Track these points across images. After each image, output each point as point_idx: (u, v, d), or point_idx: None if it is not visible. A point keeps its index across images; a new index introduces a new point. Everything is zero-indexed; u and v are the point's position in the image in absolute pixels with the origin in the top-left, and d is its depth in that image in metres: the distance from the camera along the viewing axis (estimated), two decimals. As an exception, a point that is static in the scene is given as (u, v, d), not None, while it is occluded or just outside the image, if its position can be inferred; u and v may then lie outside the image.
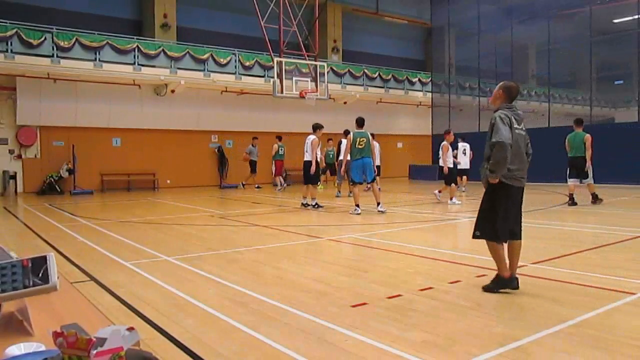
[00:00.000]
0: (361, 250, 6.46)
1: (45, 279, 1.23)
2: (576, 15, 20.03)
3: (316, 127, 11.46)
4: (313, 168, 11.32)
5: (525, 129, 4.39)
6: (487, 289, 4.20)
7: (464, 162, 14.71)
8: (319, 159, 11.73)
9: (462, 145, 14.92)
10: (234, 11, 21.75)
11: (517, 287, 4.19)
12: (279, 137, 18.44)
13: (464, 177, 14.94)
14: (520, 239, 4.37)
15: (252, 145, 19.06)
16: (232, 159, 20.97)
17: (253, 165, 18.94)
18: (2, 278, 1.21)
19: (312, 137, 11.44)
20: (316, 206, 11.32)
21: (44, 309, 1.38)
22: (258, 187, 19.08)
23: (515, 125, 4.20)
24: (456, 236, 7.86)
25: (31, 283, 1.22)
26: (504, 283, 4.18)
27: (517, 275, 4.28)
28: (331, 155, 17.33)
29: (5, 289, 1.21)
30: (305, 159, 11.55)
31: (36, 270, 1.23)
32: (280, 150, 18.27)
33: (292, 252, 6.32)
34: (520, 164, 4.22)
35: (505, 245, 4.28)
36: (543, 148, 18.24)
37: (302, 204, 11.65)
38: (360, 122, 10.34)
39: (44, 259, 1.25)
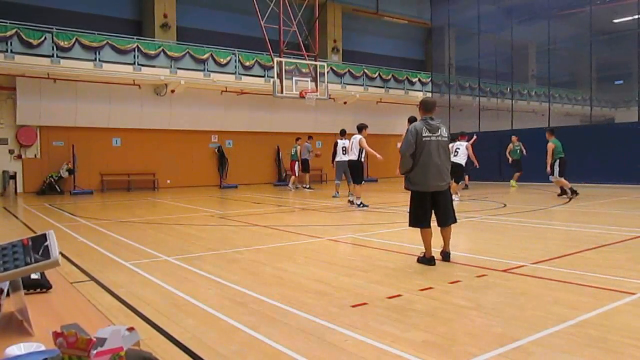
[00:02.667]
0: (361, 250, 6.46)
1: (47, 255, 1.22)
2: (576, 15, 20.03)
3: (361, 127, 11.81)
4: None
5: (445, 135, 5.41)
6: (418, 259, 5.43)
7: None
8: (362, 159, 11.85)
9: (456, 144, 13.90)
10: (234, 11, 21.75)
11: (434, 264, 5.28)
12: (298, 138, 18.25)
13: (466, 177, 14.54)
14: (448, 225, 5.46)
15: (306, 143, 18.65)
16: (232, 159, 20.98)
17: (306, 164, 18.59)
18: (4, 258, 1.22)
19: (358, 136, 11.68)
20: (361, 205, 11.34)
21: (44, 309, 1.38)
22: (309, 188, 18.31)
23: (426, 134, 5.32)
24: (456, 236, 7.84)
25: (33, 260, 1.21)
26: (425, 260, 5.34)
27: (449, 251, 5.46)
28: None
29: (7, 268, 1.21)
30: (349, 158, 11.89)
31: (37, 248, 1.23)
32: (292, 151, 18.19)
33: (292, 252, 6.32)
34: (423, 174, 5.32)
35: (439, 230, 5.46)
36: (543, 148, 18.32)
37: (349, 201, 11.98)
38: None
39: (43, 237, 1.25)
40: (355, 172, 11.77)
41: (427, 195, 5.37)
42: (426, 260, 5.32)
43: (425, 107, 5.51)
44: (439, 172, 5.33)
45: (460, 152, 14.31)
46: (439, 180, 5.33)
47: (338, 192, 14.34)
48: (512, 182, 16.89)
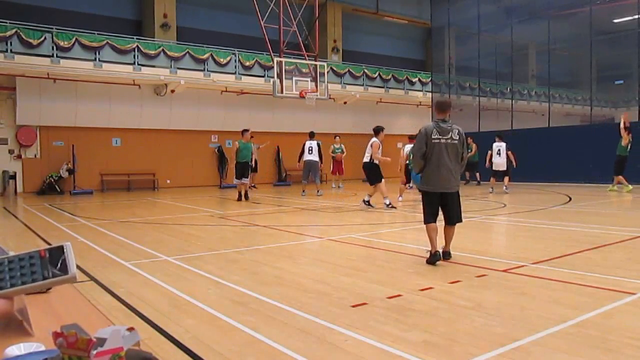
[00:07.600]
0: (361, 250, 6.46)
1: (64, 269, 1.19)
2: (576, 15, 20.01)
3: (377, 130, 11.43)
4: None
5: (456, 138, 5.38)
6: (427, 261, 5.39)
7: (499, 163, 14.49)
8: (377, 161, 11.45)
9: (497, 145, 14.62)
10: (234, 11, 21.74)
11: (439, 259, 5.39)
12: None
13: (506, 178, 14.60)
14: (452, 224, 5.61)
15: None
16: (232, 159, 20.92)
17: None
18: (21, 270, 1.18)
19: (373, 139, 11.31)
20: (368, 204, 11.25)
21: (44, 309, 1.38)
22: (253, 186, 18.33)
23: (436, 136, 5.34)
24: (456, 236, 7.85)
25: (50, 274, 1.18)
26: (431, 257, 5.37)
27: (449, 250, 5.58)
28: (339, 152, 17.65)
29: (25, 281, 1.17)
30: (365, 160, 11.61)
31: (54, 261, 1.20)
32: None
33: (292, 252, 6.32)
34: (432, 175, 5.42)
35: (442, 230, 5.57)
36: (543, 148, 18.34)
37: (365, 201, 11.49)
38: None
39: (61, 249, 1.21)
40: (367, 173, 11.55)
41: (436, 195, 5.51)
42: (432, 256, 5.38)
43: (438, 108, 5.54)
44: (448, 174, 5.39)
45: (504, 153, 14.75)
46: (447, 182, 5.42)
47: (304, 191, 15.42)
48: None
